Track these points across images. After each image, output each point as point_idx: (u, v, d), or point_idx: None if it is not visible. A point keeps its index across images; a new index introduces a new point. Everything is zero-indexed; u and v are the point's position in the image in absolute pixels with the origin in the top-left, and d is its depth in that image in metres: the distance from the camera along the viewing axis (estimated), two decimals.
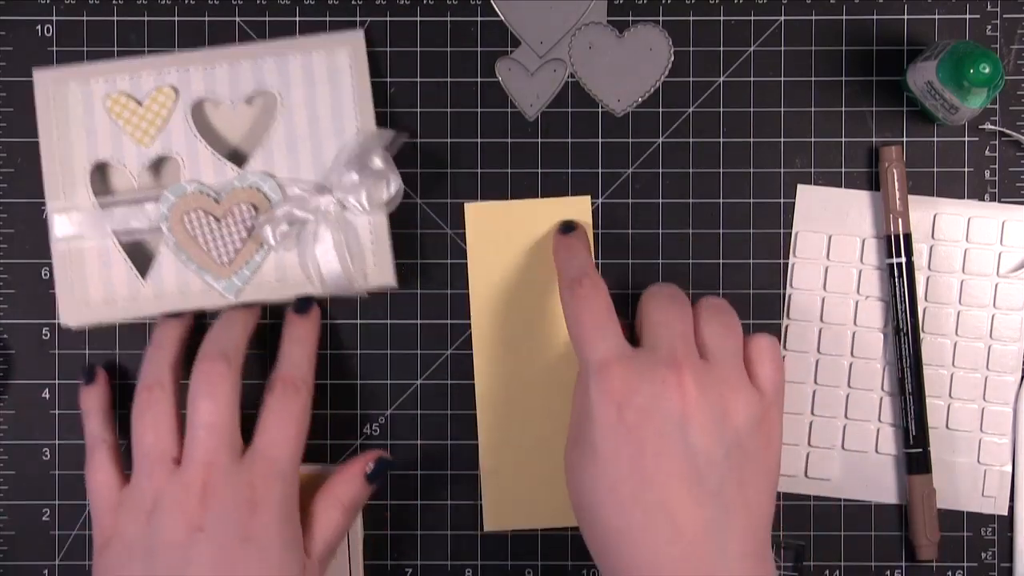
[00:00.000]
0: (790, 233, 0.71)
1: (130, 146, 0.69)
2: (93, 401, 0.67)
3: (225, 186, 0.68)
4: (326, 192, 0.68)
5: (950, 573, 0.71)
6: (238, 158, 0.69)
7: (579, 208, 0.71)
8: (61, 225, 0.68)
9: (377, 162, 0.67)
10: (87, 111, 0.68)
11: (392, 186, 0.68)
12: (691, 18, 0.71)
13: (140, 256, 0.69)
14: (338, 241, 0.67)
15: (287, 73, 0.69)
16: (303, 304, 0.68)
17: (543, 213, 0.71)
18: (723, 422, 0.58)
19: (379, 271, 0.69)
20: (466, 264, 0.71)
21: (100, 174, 0.70)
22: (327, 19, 0.71)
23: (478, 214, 0.71)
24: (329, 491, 0.65)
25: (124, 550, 0.61)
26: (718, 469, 0.57)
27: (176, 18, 0.71)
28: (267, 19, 0.71)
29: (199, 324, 0.70)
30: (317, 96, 0.69)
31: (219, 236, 0.68)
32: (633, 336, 0.65)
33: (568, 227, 0.68)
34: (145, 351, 0.67)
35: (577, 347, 0.61)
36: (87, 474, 0.65)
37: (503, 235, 0.71)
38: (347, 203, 0.68)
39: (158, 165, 0.70)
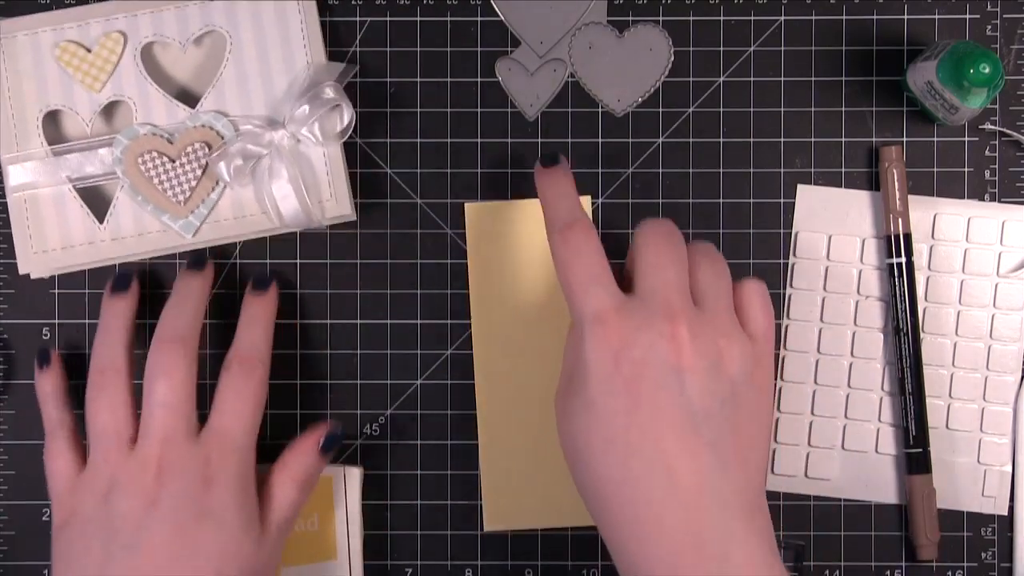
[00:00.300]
0: (790, 233, 0.71)
1: (81, 93, 0.69)
2: (49, 385, 0.67)
3: (178, 127, 0.69)
4: (279, 126, 0.68)
5: (950, 573, 0.71)
6: (190, 99, 0.70)
7: None
8: (15, 174, 0.69)
9: (329, 92, 0.68)
10: (36, 62, 0.69)
11: (345, 116, 0.68)
12: (691, 18, 0.71)
13: (97, 202, 0.70)
14: (293, 175, 0.68)
15: (235, 12, 0.69)
16: (260, 282, 0.69)
17: (542, 212, 0.71)
18: (718, 372, 0.57)
19: (336, 203, 0.69)
20: (466, 264, 0.71)
21: (53, 123, 0.70)
22: (328, 19, 0.71)
23: (478, 214, 0.71)
24: (283, 466, 0.65)
25: (81, 528, 0.61)
26: (714, 420, 0.56)
27: None
28: None
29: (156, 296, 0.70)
30: (266, 32, 0.69)
31: (174, 176, 0.69)
32: (624, 273, 0.65)
33: (551, 159, 0.64)
34: (96, 334, 0.67)
35: (569, 297, 0.59)
36: (46, 459, 0.65)
37: (503, 235, 0.71)
38: (300, 136, 0.68)
39: (110, 110, 0.70)
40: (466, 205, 0.71)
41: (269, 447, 0.71)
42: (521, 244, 0.71)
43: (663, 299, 0.58)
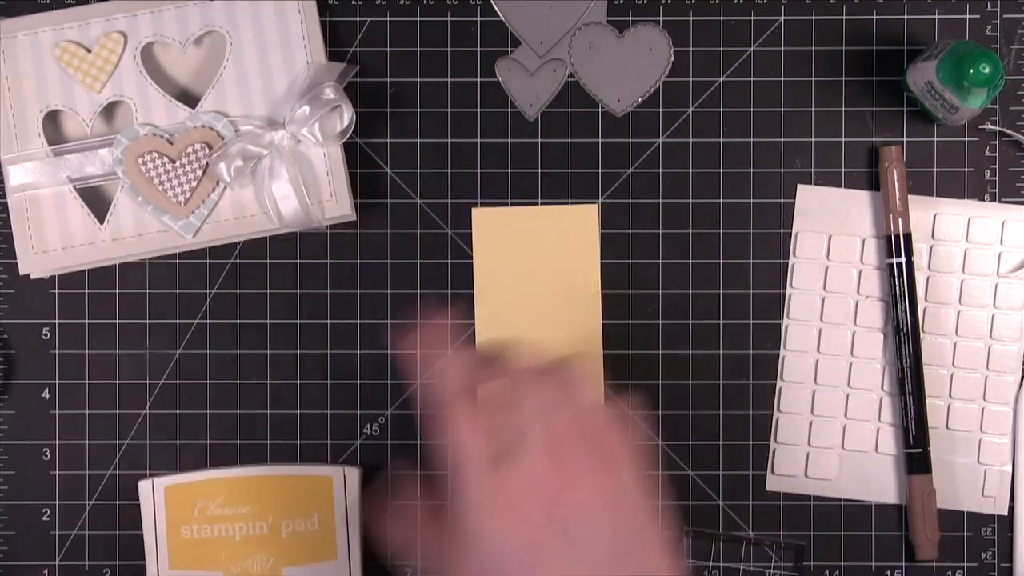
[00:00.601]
0: (790, 233, 0.71)
1: (81, 93, 0.69)
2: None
3: (178, 127, 0.69)
4: (279, 127, 0.68)
5: (950, 573, 0.71)
6: (190, 99, 0.70)
7: (585, 216, 0.71)
8: (16, 174, 0.69)
9: (329, 93, 0.68)
10: (36, 62, 0.69)
11: (345, 117, 0.68)
12: (691, 18, 0.71)
13: (98, 202, 0.70)
14: (293, 175, 0.68)
15: (235, 12, 0.69)
16: None
17: (549, 219, 0.71)
18: (597, 517, 0.57)
19: (336, 203, 0.69)
20: (466, 264, 0.71)
21: (53, 123, 0.70)
22: (327, 19, 0.71)
23: (485, 219, 0.71)
24: None
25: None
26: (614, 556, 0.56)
27: None
28: None
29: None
30: (266, 32, 0.69)
31: (175, 176, 0.69)
32: None
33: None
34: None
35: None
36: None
37: (509, 240, 0.71)
38: (300, 136, 0.68)
39: (110, 111, 0.70)
40: (474, 210, 0.71)
41: (269, 447, 0.71)
42: (526, 249, 0.71)
43: (530, 452, 0.56)
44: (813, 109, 0.71)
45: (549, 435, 0.56)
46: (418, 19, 0.71)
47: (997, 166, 0.71)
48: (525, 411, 0.56)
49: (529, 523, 0.55)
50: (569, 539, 0.55)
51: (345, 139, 0.69)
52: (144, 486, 0.68)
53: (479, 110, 0.71)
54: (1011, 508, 0.70)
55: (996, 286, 0.70)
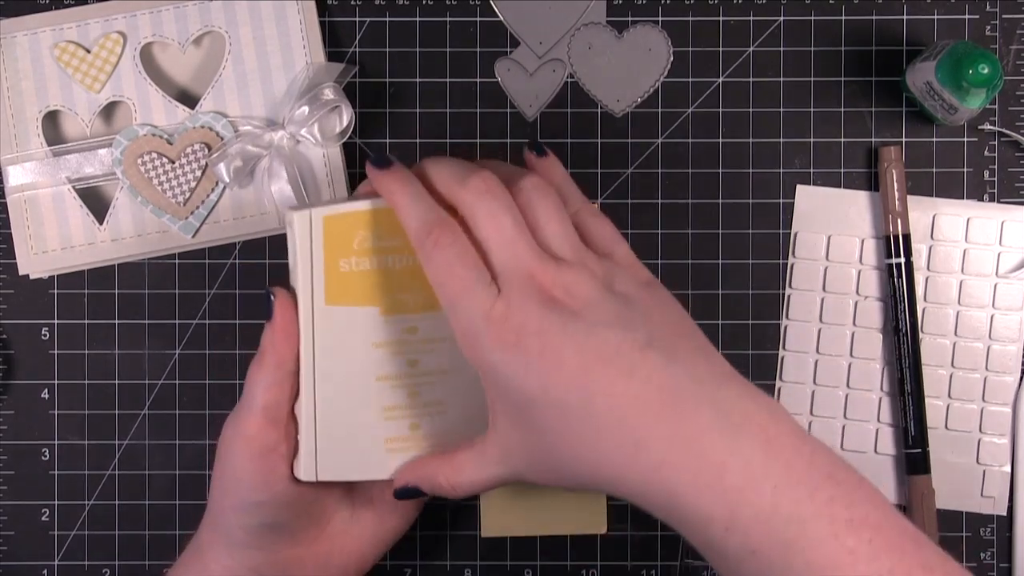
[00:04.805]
0: (790, 233, 0.71)
1: (80, 93, 0.69)
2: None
3: (178, 128, 0.69)
4: (278, 127, 0.68)
5: None
6: (189, 99, 0.70)
7: None
8: (15, 175, 0.69)
9: (328, 93, 0.68)
10: (36, 62, 0.69)
11: (345, 117, 0.68)
12: (691, 18, 0.71)
13: (97, 202, 0.70)
14: (292, 176, 0.68)
15: (234, 12, 0.69)
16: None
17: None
18: (605, 286, 0.54)
19: None
20: None
21: (52, 123, 0.71)
22: (327, 19, 0.71)
23: None
24: None
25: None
26: (633, 319, 0.53)
27: None
28: None
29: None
30: (265, 33, 0.69)
31: (174, 177, 0.69)
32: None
33: (383, 161, 0.58)
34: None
35: (452, 304, 0.54)
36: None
37: None
38: (300, 136, 0.68)
39: (110, 111, 0.71)
40: None
41: None
42: None
43: (519, 263, 0.53)
44: (812, 109, 0.71)
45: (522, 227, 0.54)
46: (418, 19, 0.72)
47: (996, 166, 0.71)
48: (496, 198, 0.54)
49: (528, 323, 0.52)
50: (569, 316, 0.52)
51: (345, 139, 0.69)
52: (300, 217, 0.58)
53: (479, 110, 0.71)
54: (1010, 508, 0.70)
55: (995, 286, 0.70)
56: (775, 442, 0.50)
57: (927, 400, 0.69)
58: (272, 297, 0.59)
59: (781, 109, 0.71)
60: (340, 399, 0.59)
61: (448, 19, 0.71)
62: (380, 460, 0.60)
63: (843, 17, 0.71)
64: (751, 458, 0.49)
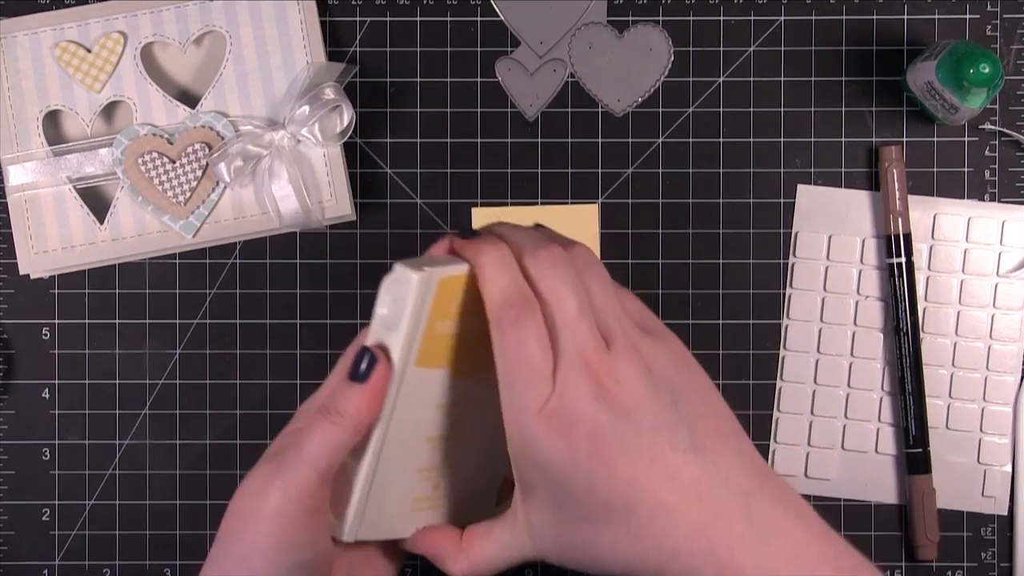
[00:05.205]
0: (790, 233, 0.71)
1: (81, 93, 0.69)
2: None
3: (178, 127, 0.69)
4: (279, 127, 0.68)
5: (950, 573, 0.71)
6: (190, 99, 0.70)
7: (585, 216, 0.71)
8: (15, 174, 0.69)
9: (329, 93, 0.68)
10: (36, 61, 0.69)
11: (345, 117, 0.68)
12: (691, 18, 0.71)
13: (97, 202, 0.70)
14: (293, 175, 0.68)
15: (235, 12, 0.69)
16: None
17: (549, 219, 0.71)
18: (653, 382, 0.55)
19: (336, 203, 0.69)
20: None
21: (53, 123, 0.71)
22: (327, 19, 0.71)
23: (485, 219, 0.71)
24: None
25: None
26: (677, 426, 0.54)
27: None
28: None
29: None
30: (266, 32, 0.69)
31: (174, 177, 0.69)
32: None
33: (469, 234, 0.56)
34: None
35: (509, 389, 0.53)
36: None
37: None
38: (300, 136, 0.68)
39: (110, 111, 0.71)
40: (474, 210, 0.71)
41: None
42: None
43: (577, 351, 0.53)
44: (813, 109, 0.71)
45: (585, 314, 0.54)
46: (418, 19, 0.72)
47: (997, 166, 0.71)
48: (554, 288, 0.53)
49: (580, 421, 0.52)
50: (621, 417, 0.52)
51: (345, 139, 0.69)
52: (421, 278, 0.54)
53: (479, 110, 0.71)
54: (1011, 508, 0.70)
55: (996, 286, 0.70)
56: (802, 549, 0.53)
57: (928, 400, 0.69)
58: (374, 359, 0.55)
59: (782, 109, 0.71)
60: (392, 460, 0.56)
61: (448, 19, 0.71)
62: (407, 519, 0.58)
63: (844, 17, 0.71)
64: (778, 568, 0.52)
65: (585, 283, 0.55)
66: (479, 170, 0.71)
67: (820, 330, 0.71)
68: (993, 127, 0.71)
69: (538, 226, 0.59)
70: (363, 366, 0.54)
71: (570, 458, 0.52)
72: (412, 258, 0.54)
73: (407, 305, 0.54)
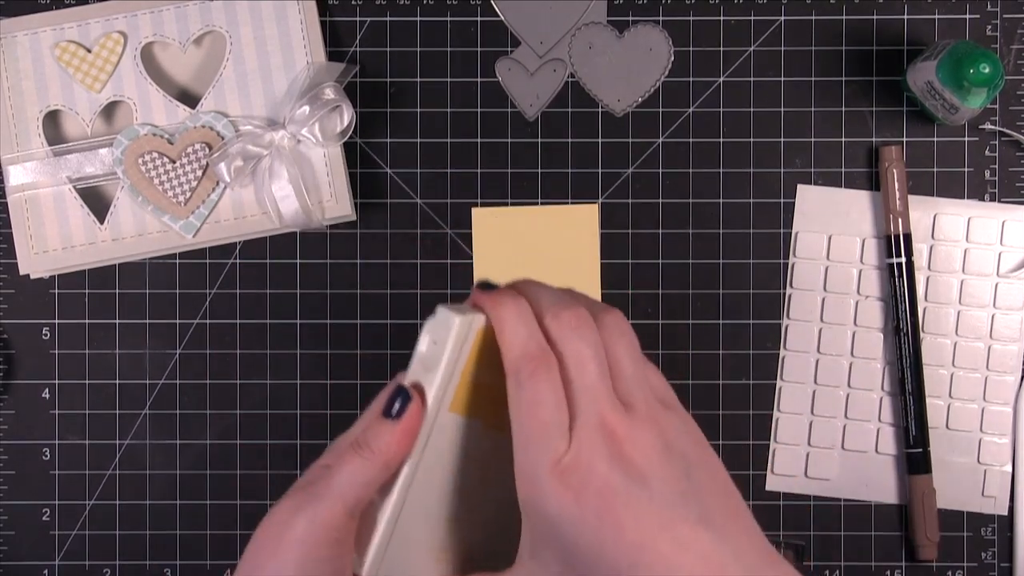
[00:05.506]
0: (790, 233, 0.71)
1: (81, 93, 0.69)
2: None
3: (178, 127, 0.69)
4: (279, 127, 0.68)
5: (950, 573, 0.71)
6: (190, 99, 0.70)
7: (585, 216, 0.71)
8: (15, 174, 0.69)
9: (329, 93, 0.68)
10: (36, 61, 0.69)
11: (345, 117, 0.68)
12: (691, 18, 0.71)
13: (97, 202, 0.70)
14: (293, 175, 0.68)
15: (235, 12, 0.69)
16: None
17: (549, 219, 0.71)
18: (669, 451, 0.56)
19: (336, 203, 0.69)
20: (466, 264, 0.71)
21: (53, 123, 0.71)
22: (328, 19, 0.71)
23: (485, 219, 0.71)
24: None
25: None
26: (689, 495, 0.56)
27: None
28: None
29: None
30: (266, 32, 0.69)
31: (175, 177, 0.69)
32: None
33: (489, 287, 0.56)
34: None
35: (523, 445, 0.54)
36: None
37: (509, 240, 0.71)
38: (300, 136, 0.68)
39: (110, 111, 0.71)
40: (474, 210, 0.71)
41: (270, 447, 0.71)
42: (526, 249, 0.71)
43: (596, 411, 0.53)
44: (813, 109, 0.71)
45: (605, 379, 0.54)
46: (418, 19, 0.72)
47: (997, 166, 0.71)
48: (578, 353, 0.54)
49: (593, 480, 0.52)
50: (634, 480, 0.53)
51: (345, 139, 0.69)
52: (462, 321, 0.54)
53: (479, 110, 0.71)
54: (1011, 508, 0.70)
55: (996, 286, 0.70)
56: None
57: (928, 400, 0.69)
58: (409, 397, 0.55)
59: (782, 109, 0.71)
60: (421, 504, 0.57)
61: (449, 19, 0.71)
62: (429, 569, 0.58)
63: (844, 17, 0.71)
64: None
65: (611, 349, 0.55)
66: (479, 170, 0.71)
67: (820, 330, 0.71)
68: (993, 127, 0.71)
69: (569, 290, 0.59)
70: (397, 404, 0.55)
71: (579, 516, 0.52)
72: (458, 303, 0.55)
73: (446, 347, 0.55)
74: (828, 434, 0.71)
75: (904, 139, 0.71)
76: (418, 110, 0.71)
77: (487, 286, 0.57)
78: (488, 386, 0.56)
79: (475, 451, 0.58)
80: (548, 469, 0.52)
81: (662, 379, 0.59)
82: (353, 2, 0.71)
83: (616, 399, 0.54)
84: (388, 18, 0.72)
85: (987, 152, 0.71)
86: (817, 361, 0.71)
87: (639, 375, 0.56)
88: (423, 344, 0.55)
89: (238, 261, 0.71)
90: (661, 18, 0.71)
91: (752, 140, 0.71)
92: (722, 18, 0.71)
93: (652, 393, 0.56)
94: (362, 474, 0.55)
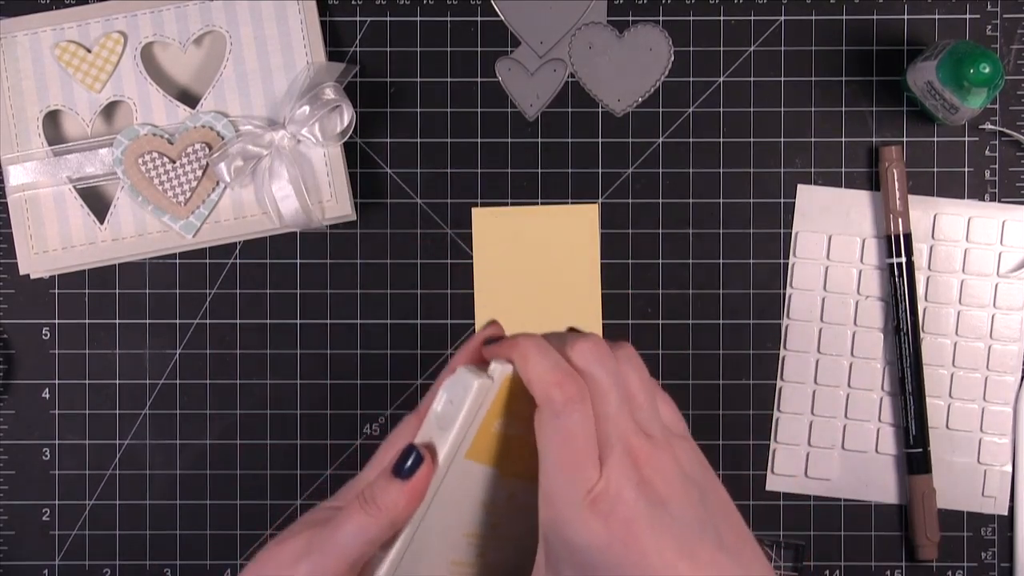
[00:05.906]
0: (790, 233, 0.71)
1: (81, 92, 0.70)
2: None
3: (178, 127, 0.69)
4: (279, 127, 0.68)
5: (950, 573, 0.71)
6: (190, 99, 0.70)
7: (585, 216, 0.71)
8: (15, 174, 0.69)
9: (329, 93, 0.68)
10: (36, 61, 0.69)
11: (345, 117, 0.68)
12: (691, 18, 0.71)
13: (97, 202, 0.70)
14: (293, 175, 0.68)
15: (235, 12, 0.69)
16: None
17: (549, 220, 0.71)
18: (685, 478, 0.57)
19: (336, 203, 0.69)
20: (466, 264, 0.71)
21: (53, 123, 0.71)
22: (328, 19, 0.71)
23: (485, 219, 0.71)
24: None
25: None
26: (707, 521, 0.56)
27: None
28: None
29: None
30: (266, 32, 0.69)
31: (175, 177, 0.69)
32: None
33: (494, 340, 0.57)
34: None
35: (554, 479, 0.54)
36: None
37: (509, 240, 0.71)
38: (301, 136, 0.68)
39: (110, 111, 0.71)
40: (474, 210, 0.71)
41: (270, 447, 0.71)
42: (526, 249, 0.71)
43: (622, 438, 0.54)
44: (813, 109, 0.71)
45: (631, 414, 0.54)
46: (418, 19, 0.72)
47: (997, 166, 0.71)
48: (610, 391, 0.54)
49: (620, 507, 0.53)
50: (656, 505, 0.53)
51: (345, 139, 0.69)
52: (481, 383, 0.54)
53: (479, 110, 0.71)
54: (1011, 508, 0.70)
55: (996, 286, 0.70)
56: None
57: (928, 400, 0.69)
58: (420, 459, 0.55)
59: (782, 109, 0.71)
60: (425, 548, 0.56)
61: (449, 19, 0.71)
62: None
63: (844, 17, 0.71)
64: None
65: (624, 378, 0.56)
66: (479, 170, 0.71)
67: (820, 330, 0.71)
68: (993, 127, 0.71)
69: (572, 329, 0.59)
70: (408, 464, 0.55)
71: (606, 543, 0.53)
72: (478, 366, 0.54)
73: (462, 408, 0.55)
74: (828, 434, 0.71)
75: (904, 139, 0.71)
76: (418, 110, 0.71)
77: (492, 341, 0.57)
78: (510, 436, 0.56)
79: (490, 499, 0.58)
80: (581, 498, 0.53)
81: (674, 408, 0.59)
82: (353, 2, 0.71)
83: (638, 427, 0.55)
84: (388, 18, 0.72)
85: (987, 152, 0.71)
86: (817, 361, 0.71)
87: (652, 402, 0.57)
88: (439, 403, 0.55)
89: (238, 261, 0.71)
90: (661, 18, 0.71)
91: (752, 140, 0.71)
92: (722, 18, 0.71)
93: (663, 421, 0.57)
94: (367, 531, 0.55)
